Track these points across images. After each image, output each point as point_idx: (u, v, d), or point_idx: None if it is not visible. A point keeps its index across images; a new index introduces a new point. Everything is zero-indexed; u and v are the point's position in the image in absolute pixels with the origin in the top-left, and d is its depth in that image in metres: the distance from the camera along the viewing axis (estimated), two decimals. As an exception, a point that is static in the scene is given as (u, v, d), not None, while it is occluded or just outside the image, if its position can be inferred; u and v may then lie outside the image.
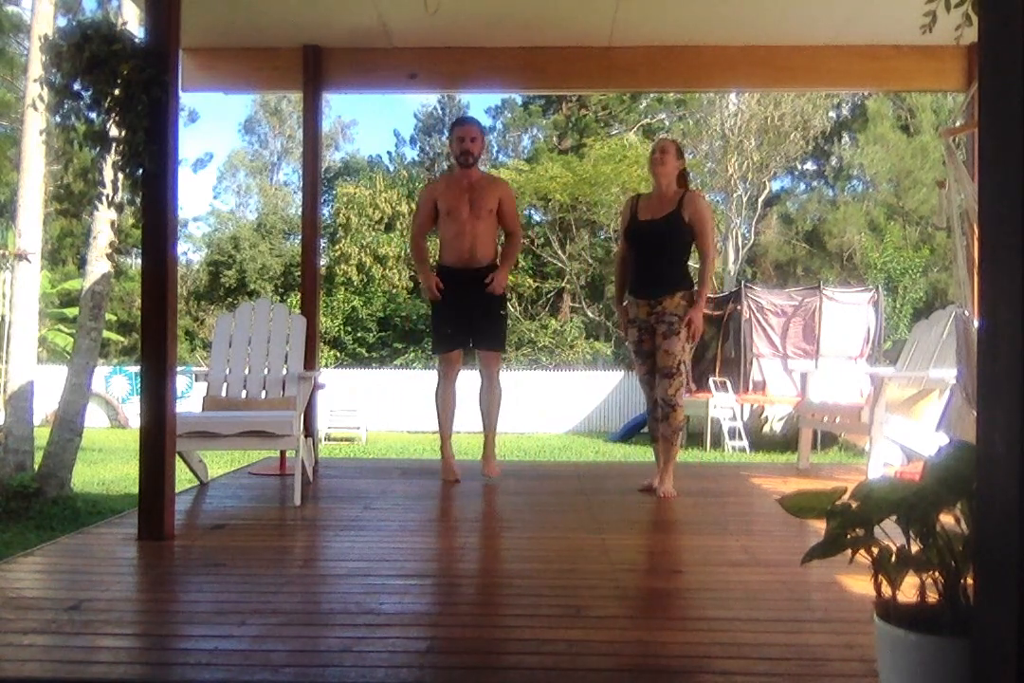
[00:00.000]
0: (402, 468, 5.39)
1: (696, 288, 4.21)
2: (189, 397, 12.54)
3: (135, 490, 3.24)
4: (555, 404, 18.12)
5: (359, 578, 2.73)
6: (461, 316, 4.49)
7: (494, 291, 4.46)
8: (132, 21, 6.97)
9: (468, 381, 4.68)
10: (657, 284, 4.19)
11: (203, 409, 4.47)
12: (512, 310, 23.16)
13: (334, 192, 25.98)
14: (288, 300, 20.35)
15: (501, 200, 4.55)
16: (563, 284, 24.63)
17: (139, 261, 6.14)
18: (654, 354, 4.21)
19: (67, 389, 8.20)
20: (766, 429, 14.25)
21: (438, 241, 4.67)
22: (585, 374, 19.36)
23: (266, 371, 4.61)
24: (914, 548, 1.58)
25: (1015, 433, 1.24)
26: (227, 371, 4.61)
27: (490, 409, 4.61)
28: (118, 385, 18.42)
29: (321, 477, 4.80)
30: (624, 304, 4.41)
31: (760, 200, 22.38)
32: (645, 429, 15.78)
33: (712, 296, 16.25)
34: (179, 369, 3.60)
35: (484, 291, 4.45)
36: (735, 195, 21.68)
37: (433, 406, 4.67)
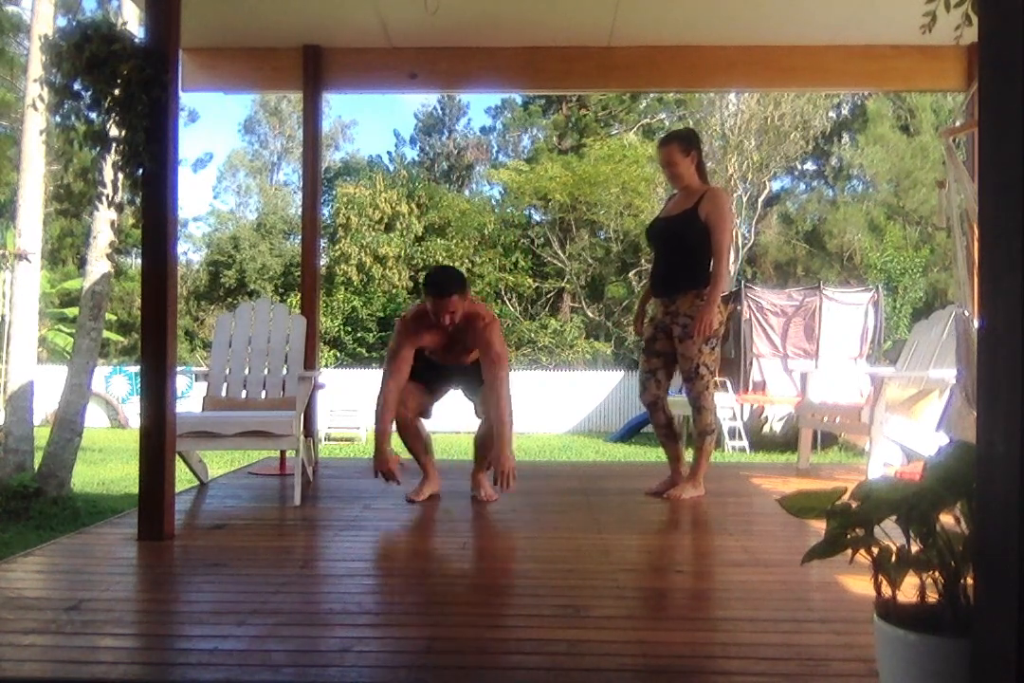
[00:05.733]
0: (402, 468, 5.38)
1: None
2: (189, 397, 12.54)
3: (135, 490, 3.24)
4: (555, 404, 18.11)
5: (359, 578, 2.73)
6: (440, 380, 4.14)
7: (508, 489, 3.80)
8: (132, 21, 6.97)
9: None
10: (671, 283, 4.10)
11: (203, 409, 4.47)
12: (512, 310, 23.19)
13: (334, 192, 25.97)
14: (288, 300, 20.34)
15: (480, 348, 3.87)
16: (563, 284, 24.64)
17: (139, 261, 6.13)
18: (662, 354, 4.18)
19: (67, 389, 8.20)
20: (766, 429, 14.24)
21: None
22: (585, 374, 19.37)
23: (266, 371, 4.61)
24: (914, 548, 1.58)
25: (1015, 433, 1.24)
26: (227, 371, 4.61)
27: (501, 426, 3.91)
28: (118, 385, 18.42)
29: (321, 477, 4.80)
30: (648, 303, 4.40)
31: (760, 200, 22.38)
32: (645, 429, 15.79)
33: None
34: (179, 369, 3.60)
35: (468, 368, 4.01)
36: (735, 195, 21.65)
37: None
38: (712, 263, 4.04)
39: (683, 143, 4.08)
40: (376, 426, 3.73)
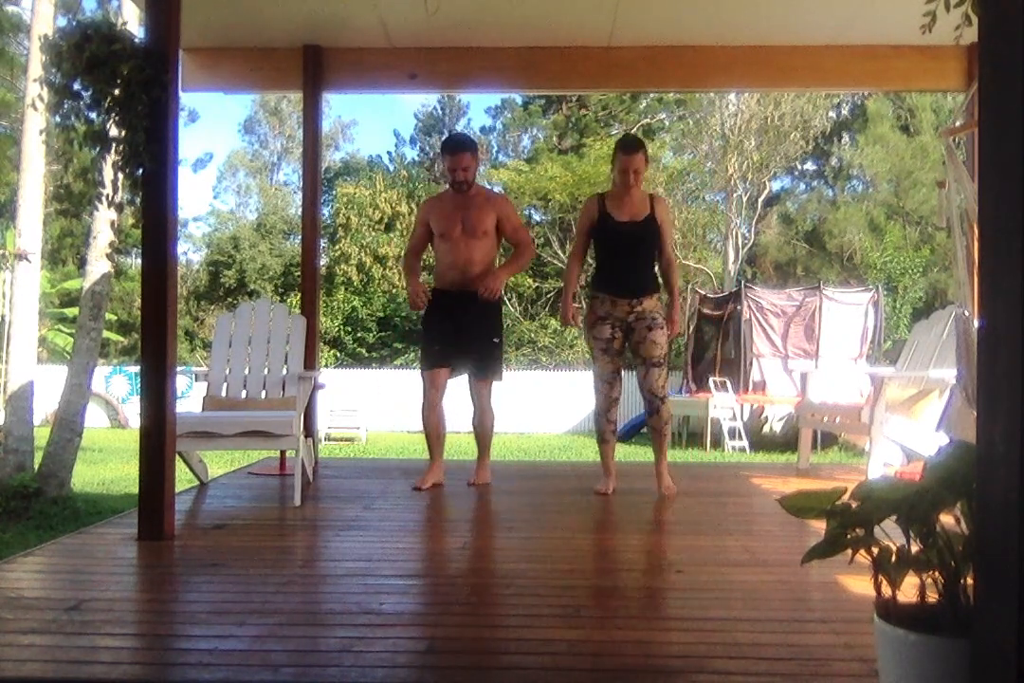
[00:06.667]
0: (402, 468, 5.39)
1: (668, 291, 4.38)
2: (189, 397, 12.54)
3: (135, 490, 3.24)
4: (555, 404, 18.11)
5: (359, 578, 2.73)
6: (451, 338, 4.37)
7: (486, 295, 4.28)
8: (132, 21, 6.97)
9: (461, 381, 4.61)
10: (639, 284, 4.23)
11: (203, 409, 4.47)
12: (512, 310, 23.17)
13: (334, 192, 25.98)
14: (288, 300, 20.35)
15: (499, 219, 4.38)
16: (563, 284, 24.62)
17: (139, 261, 6.13)
18: (620, 354, 4.27)
19: (67, 389, 8.19)
20: (766, 429, 14.23)
21: (435, 264, 4.53)
22: (585, 374, 19.34)
23: (266, 371, 4.61)
24: (914, 548, 1.58)
25: (1015, 433, 1.24)
26: (227, 371, 4.61)
27: (483, 435, 4.51)
28: (118, 385, 18.41)
29: (321, 477, 4.80)
30: (577, 302, 4.44)
31: (760, 200, 22.38)
32: (645, 429, 15.81)
33: (712, 296, 16.27)
34: (179, 369, 3.60)
35: (476, 314, 4.36)
36: (735, 195, 21.68)
37: (421, 427, 4.51)
38: (668, 269, 4.35)
39: (646, 151, 4.29)
40: (405, 271, 4.67)
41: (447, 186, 4.51)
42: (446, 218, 4.36)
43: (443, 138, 4.72)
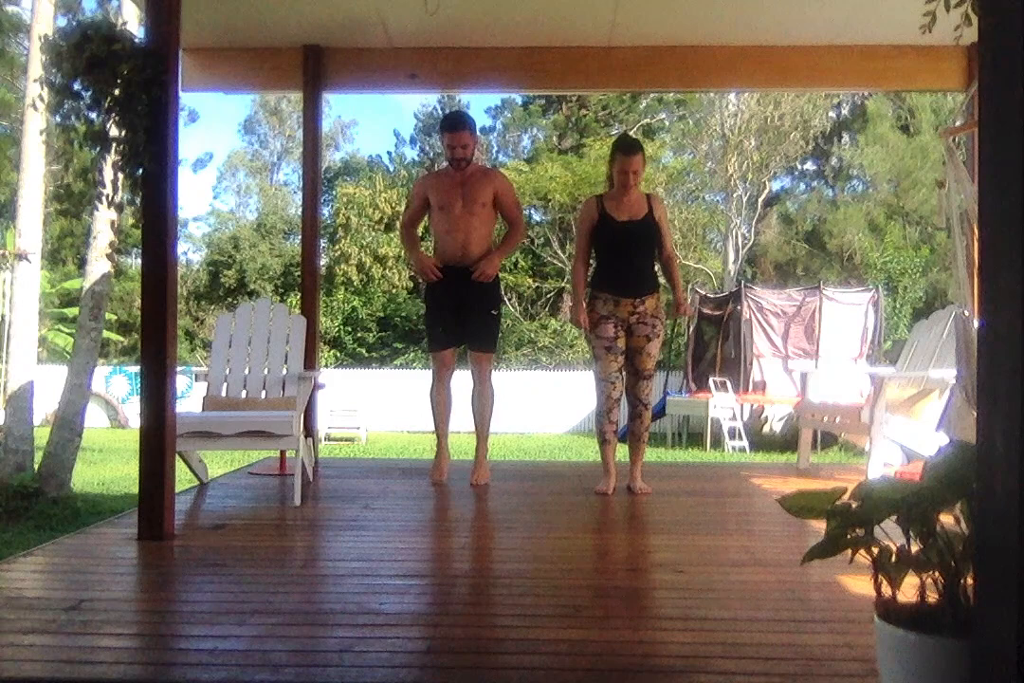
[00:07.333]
0: (402, 468, 5.39)
1: (671, 283, 4.45)
2: (189, 397, 12.53)
3: (135, 490, 3.24)
4: (555, 404, 18.11)
5: (359, 578, 2.73)
6: (452, 314, 4.48)
7: (481, 278, 4.39)
8: (132, 21, 6.96)
9: (464, 381, 4.62)
10: (642, 283, 4.28)
11: (203, 409, 4.47)
12: (512, 310, 23.16)
13: (334, 192, 25.98)
14: (288, 300, 20.35)
15: (497, 192, 4.48)
16: (563, 284, 24.62)
17: (139, 261, 6.13)
18: (622, 352, 4.27)
19: (67, 389, 8.19)
20: (766, 429, 14.23)
21: (432, 239, 4.65)
22: (585, 374, 19.33)
23: (266, 371, 4.61)
24: (914, 548, 1.58)
25: (1015, 433, 1.24)
26: (227, 371, 4.61)
27: (482, 412, 4.56)
28: (118, 385, 18.40)
29: (321, 477, 4.80)
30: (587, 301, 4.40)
31: (760, 200, 22.37)
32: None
33: (712, 296, 16.27)
34: (179, 369, 3.60)
35: (476, 289, 4.43)
36: (735, 195, 21.67)
37: (428, 406, 4.63)
38: (670, 265, 4.40)
39: (644, 152, 4.31)
40: (407, 244, 4.84)
41: (445, 164, 4.57)
42: (446, 192, 4.44)
43: (442, 117, 4.85)
